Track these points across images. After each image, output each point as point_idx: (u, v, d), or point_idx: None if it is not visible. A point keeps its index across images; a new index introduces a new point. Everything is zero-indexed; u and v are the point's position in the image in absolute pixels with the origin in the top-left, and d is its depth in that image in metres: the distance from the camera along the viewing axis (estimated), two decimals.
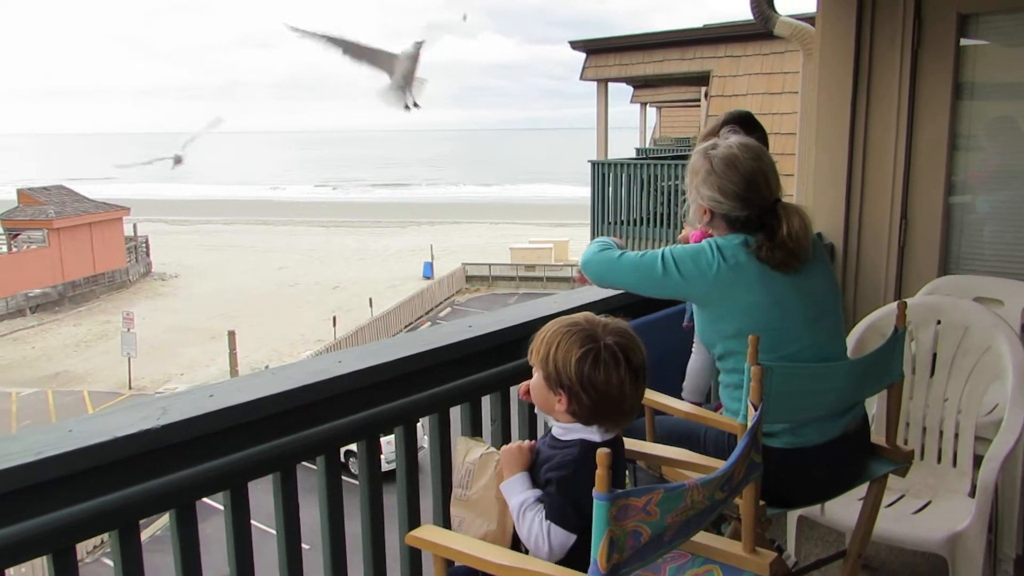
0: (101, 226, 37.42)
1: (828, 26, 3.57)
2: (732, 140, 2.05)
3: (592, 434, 1.55)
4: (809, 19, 4.08)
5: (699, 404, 2.45)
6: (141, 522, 1.58)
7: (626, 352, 1.52)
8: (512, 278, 37.71)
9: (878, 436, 2.17)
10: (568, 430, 1.56)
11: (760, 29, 5.70)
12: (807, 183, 3.72)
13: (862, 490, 2.16)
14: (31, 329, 32.57)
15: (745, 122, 2.70)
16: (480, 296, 36.12)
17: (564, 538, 1.48)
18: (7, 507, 1.35)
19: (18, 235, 35.73)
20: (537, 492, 1.54)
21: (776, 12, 4.17)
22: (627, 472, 2.00)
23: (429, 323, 31.78)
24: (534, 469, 1.59)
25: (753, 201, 2.00)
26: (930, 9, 3.34)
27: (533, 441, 1.64)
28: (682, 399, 2.44)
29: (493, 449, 1.67)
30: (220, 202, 73.08)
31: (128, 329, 26.91)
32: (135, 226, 40.97)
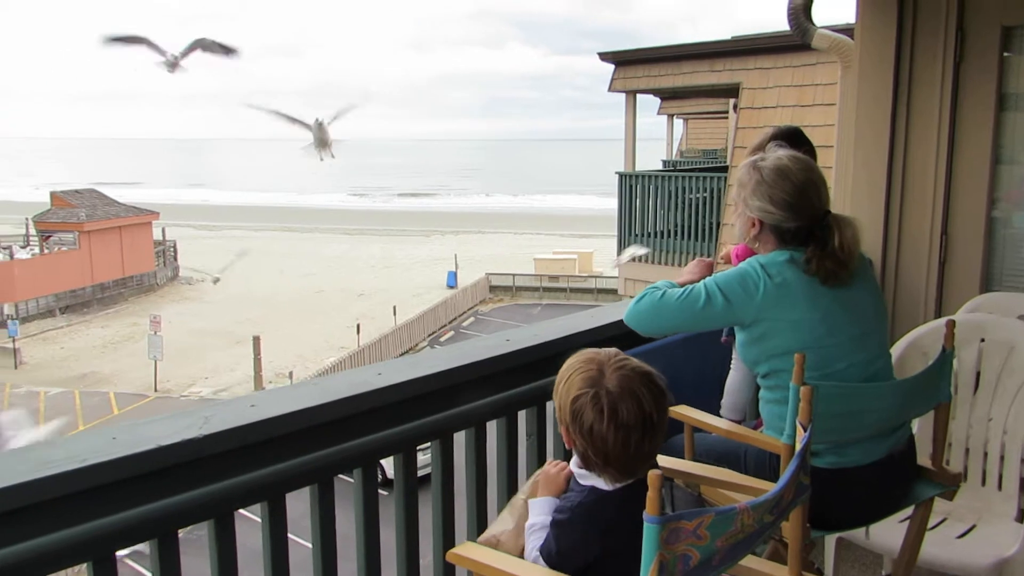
0: (131, 230, 37.90)
1: (868, 38, 3.53)
2: (781, 152, 2.02)
3: (601, 482, 1.47)
4: (847, 31, 4.02)
5: (738, 421, 2.41)
6: None
7: (615, 405, 1.41)
8: (536, 288, 37.66)
9: (924, 458, 2.12)
10: (582, 474, 1.51)
11: (793, 41, 5.64)
12: (844, 196, 3.67)
13: (905, 512, 2.11)
14: (60, 330, 33.04)
15: (792, 137, 2.67)
16: (504, 306, 36.12)
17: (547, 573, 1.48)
18: (51, 514, 1.35)
19: (50, 237, 36.29)
20: (548, 520, 1.53)
21: (814, 24, 4.12)
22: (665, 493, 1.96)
23: (452, 332, 31.84)
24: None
25: (804, 211, 1.96)
26: (973, 22, 3.29)
27: None
28: (720, 416, 2.41)
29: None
30: (248, 208, 73.80)
31: (155, 332, 27.21)
32: (164, 230, 41.47)
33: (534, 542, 1.52)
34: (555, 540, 1.48)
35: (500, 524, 1.64)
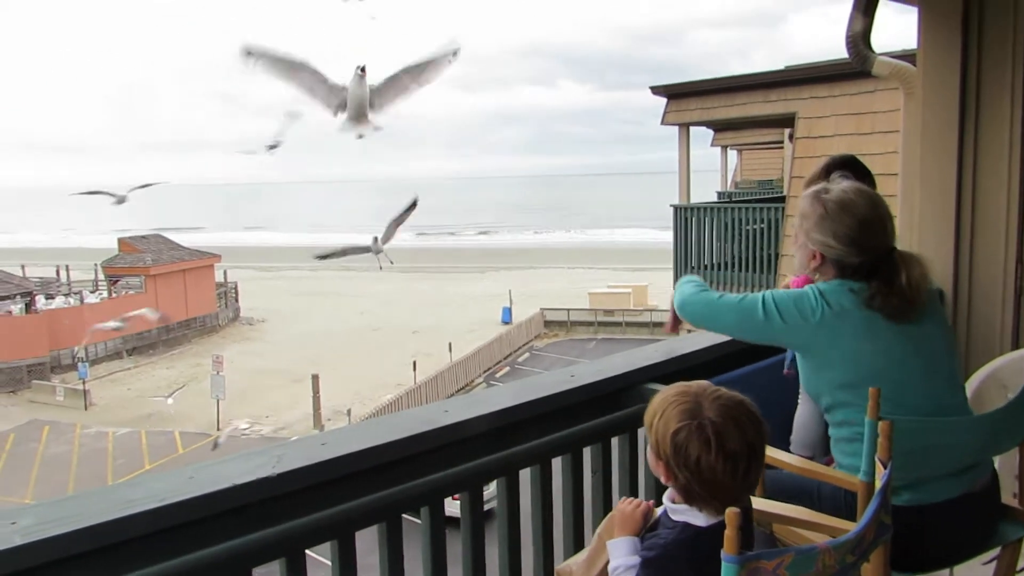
0: (194, 273, 39.05)
1: (930, 64, 3.46)
2: (845, 184, 1.99)
3: (697, 518, 1.44)
4: (908, 57, 3.95)
5: (809, 458, 2.34)
6: None
7: (721, 435, 1.38)
8: (591, 323, 37.47)
9: (1009, 496, 2.03)
10: (675, 509, 1.48)
11: (850, 68, 5.56)
12: (911, 227, 3.58)
13: (991, 553, 2.02)
14: (128, 371, 34.00)
15: (852, 166, 2.61)
16: (559, 341, 35.99)
17: None
18: (132, 553, 1.38)
19: (118, 281, 37.58)
20: (633, 560, 1.49)
21: (873, 52, 4.05)
22: None
23: (508, 368, 31.81)
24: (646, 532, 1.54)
25: (868, 247, 1.93)
26: None
27: (652, 501, 1.58)
28: (790, 452, 2.35)
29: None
30: (306, 248, 75.26)
31: (218, 372, 27.80)
32: (225, 272, 42.57)
33: None
34: None
35: (576, 553, 1.61)
